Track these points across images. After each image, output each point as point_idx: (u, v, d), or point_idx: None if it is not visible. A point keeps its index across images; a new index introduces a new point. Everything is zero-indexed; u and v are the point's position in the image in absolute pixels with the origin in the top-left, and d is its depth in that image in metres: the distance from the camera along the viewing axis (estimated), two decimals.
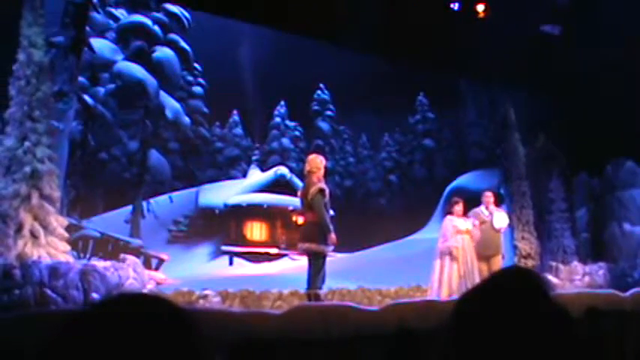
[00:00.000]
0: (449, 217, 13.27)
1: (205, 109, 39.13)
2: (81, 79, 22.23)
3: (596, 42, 18.06)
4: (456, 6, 18.13)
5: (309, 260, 11.60)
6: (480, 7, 18.04)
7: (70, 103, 14.50)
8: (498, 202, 15.66)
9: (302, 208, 11.79)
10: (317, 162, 11.51)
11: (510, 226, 14.88)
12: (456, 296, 11.93)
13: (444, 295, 12.30)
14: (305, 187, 11.60)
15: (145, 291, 12.84)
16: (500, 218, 13.70)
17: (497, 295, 1.32)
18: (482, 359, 1.24)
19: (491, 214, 13.73)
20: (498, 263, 13.28)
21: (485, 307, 1.31)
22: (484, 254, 13.20)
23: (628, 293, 13.27)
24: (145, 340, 1.16)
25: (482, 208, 13.71)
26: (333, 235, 11.10)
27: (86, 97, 25.14)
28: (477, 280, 12.56)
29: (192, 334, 1.23)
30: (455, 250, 12.87)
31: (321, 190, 11.13)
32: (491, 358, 1.24)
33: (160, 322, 1.20)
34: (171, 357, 1.17)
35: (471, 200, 13.95)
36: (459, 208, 13.33)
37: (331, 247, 11.43)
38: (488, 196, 13.86)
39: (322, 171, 11.48)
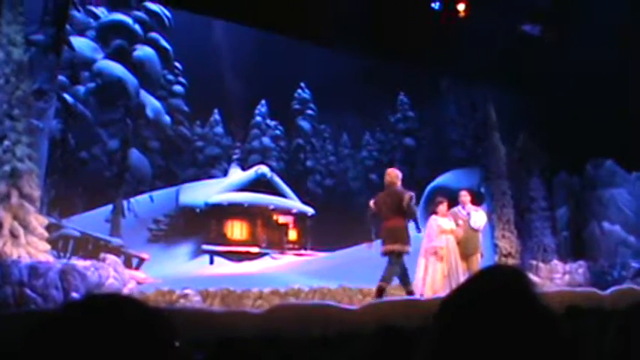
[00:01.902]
0: (433, 216, 13.30)
1: (186, 108, 39.06)
2: (61, 77, 22.13)
3: (577, 42, 18.12)
4: (436, 5, 18.14)
5: (391, 258, 12.47)
6: (461, 7, 18.06)
7: (49, 102, 14.41)
8: (478, 201, 15.70)
9: (388, 212, 12.63)
10: (397, 173, 13.19)
11: (491, 224, 14.90)
12: (439, 295, 11.99)
13: (427, 294, 12.33)
14: (388, 195, 12.85)
15: (125, 290, 12.83)
16: (478, 217, 13.71)
17: (481, 295, 1.32)
18: (468, 357, 1.25)
19: (468, 213, 13.74)
20: (477, 262, 13.30)
21: (470, 307, 1.31)
22: (463, 253, 13.22)
23: (608, 291, 13.35)
24: (116, 342, 1.15)
25: (459, 207, 13.72)
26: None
27: (66, 96, 25.02)
28: (462, 279, 12.62)
29: (165, 336, 1.23)
30: (440, 249, 12.91)
31: (412, 197, 12.50)
32: (476, 357, 1.24)
33: (131, 325, 1.20)
34: (144, 358, 1.17)
35: (452, 199, 13.96)
36: (443, 207, 13.36)
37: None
38: (464, 196, 13.87)
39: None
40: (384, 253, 12.62)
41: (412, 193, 12.74)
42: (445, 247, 12.96)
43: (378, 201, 13.03)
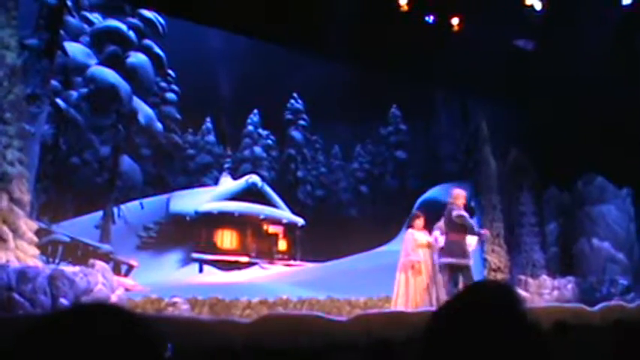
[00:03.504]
0: (410, 230, 13.34)
1: (178, 116, 38.97)
2: (54, 82, 22.14)
3: (570, 58, 18.19)
4: (430, 19, 18.18)
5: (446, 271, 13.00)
6: (455, 21, 18.11)
7: (42, 107, 14.41)
8: (469, 215, 15.69)
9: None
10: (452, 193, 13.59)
11: (481, 239, 14.90)
12: (422, 308, 12.01)
13: (411, 308, 12.34)
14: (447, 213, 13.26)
15: (113, 297, 12.80)
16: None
17: (470, 309, 1.33)
18: None
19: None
20: (470, 273, 13.28)
21: (459, 321, 1.31)
22: (447, 266, 13.19)
23: (596, 308, 13.38)
24: (103, 352, 1.15)
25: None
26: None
27: (59, 101, 25.03)
28: (442, 292, 12.66)
29: (154, 345, 1.23)
30: (417, 264, 12.95)
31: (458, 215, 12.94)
32: None
33: (121, 334, 1.20)
34: None
35: (442, 212, 13.94)
36: (419, 222, 13.40)
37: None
38: None
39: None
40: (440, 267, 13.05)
41: (460, 212, 13.08)
42: (422, 260, 12.99)
43: None
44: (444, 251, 13.00)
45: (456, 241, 13.01)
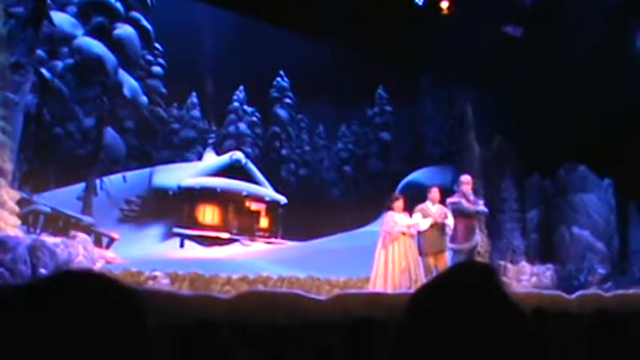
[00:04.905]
0: (390, 212, 13.32)
1: (164, 90, 38.85)
2: (39, 52, 21.98)
3: (557, 47, 18.23)
4: (420, 1, 18.15)
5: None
6: (444, 4, 18.08)
7: (26, 76, 14.31)
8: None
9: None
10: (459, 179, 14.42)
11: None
12: (400, 290, 12.06)
13: (389, 289, 12.37)
14: None
15: (94, 269, 12.77)
16: (424, 223, 13.57)
17: (453, 290, 1.34)
18: (437, 354, 1.26)
19: (439, 209, 13.71)
20: (444, 260, 13.31)
21: (442, 301, 1.32)
22: (430, 251, 13.24)
23: (573, 295, 13.47)
24: (90, 318, 1.15)
25: (427, 203, 13.64)
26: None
27: (43, 71, 24.87)
28: (420, 274, 12.71)
29: (139, 314, 1.24)
30: (396, 245, 12.96)
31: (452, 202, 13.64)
32: (445, 352, 1.26)
33: (106, 301, 1.20)
34: (116, 336, 1.17)
35: (424, 195, 13.95)
36: (399, 204, 13.37)
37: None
38: (435, 192, 13.79)
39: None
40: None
41: (451, 199, 13.76)
42: (401, 242, 13.02)
43: None
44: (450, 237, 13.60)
45: (456, 227, 13.54)
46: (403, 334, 1.33)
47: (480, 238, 15.07)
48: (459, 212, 13.53)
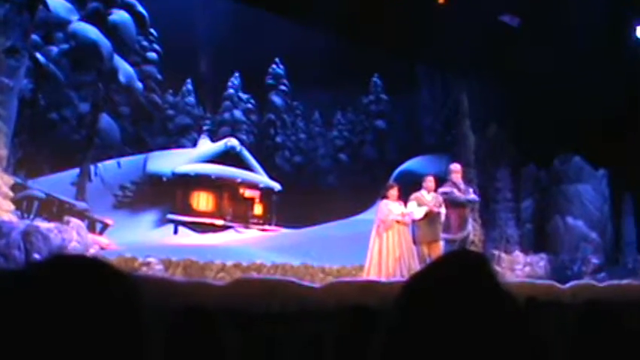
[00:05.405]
0: (384, 200, 13.33)
1: (159, 76, 38.75)
2: (34, 36, 21.91)
3: (554, 37, 18.21)
4: None
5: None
6: None
7: (21, 60, 14.27)
8: None
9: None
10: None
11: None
12: (394, 278, 12.07)
13: (383, 277, 12.38)
14: None
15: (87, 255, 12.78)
16: (418, 211, 13.57)
17: (446, 278, 1.34)
18: (430, 342, 1.27)
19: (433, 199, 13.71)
20: (439, 249, 13.33)
21: (434, 289, 1.33)
22: (424, 240, 13.26)
23: (567, 286, 13.50)
24: (84, 304, 1.15)
25: (423, 192, 13.64)
26: None
27: (39, 56, 24.76)
28: (414, 263, 12.73)
29: (134, 299, 1.24)
30: (390, 232, 12.97)
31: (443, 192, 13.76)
32: (438, 341, 1.26)
33: (101, 286, 1.20)
34: (111, 321, 1.17)
35: (419, 184, 13.96)
36: (394, 192, 13.39)
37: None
38: (430, 181, 13.79)
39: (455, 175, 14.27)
40: None
41: (443, 189, 13.86)
42: (395, 230, 13.02)
43: None
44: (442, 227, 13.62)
45: (449, 217, 13.68)
46: (396, 322, 1.33)
47: (472, 228, 15.08)
48: (451, 202, 13.57)
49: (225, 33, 39.14)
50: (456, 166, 14.40)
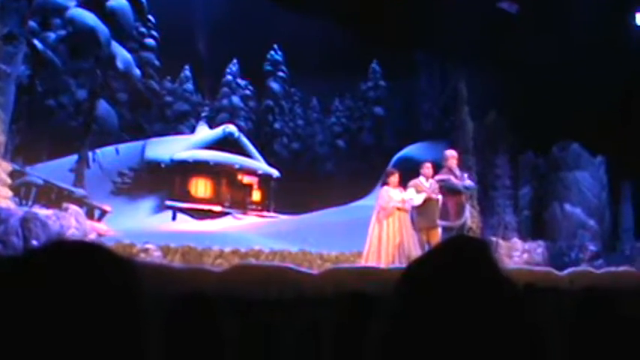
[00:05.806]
0: (385, 187, 13.32)
1: (157, 62, 38.74)
2: (31, 23, 21.83)
3: (553, 24, 18.19)
4: None
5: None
6: None
7: (19, 47, 14.26)
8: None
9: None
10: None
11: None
12: (394, 265, 12.07)
13: (383, 264, 12.38)
14: None
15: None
16: (418, 198, 13.55)
17: (447, 264, 1.34)
18: (431, 328, 1.27)
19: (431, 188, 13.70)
20: (437, 235, 13.34)
21: (435, 275, 1.33)
22: (423, 226, 13.26)
23: (564, 272, 13.51)
24: (83, 289, 1.15)
25: (421, 179, 13.63)
26: None
27: (36, 42, 24.71)
28: (414, 249, 12.71)
29: (133, 284, 1.24)
30: (391, 220, 12.96)
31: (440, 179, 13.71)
32: (439, 327, 1.26)
33: (100, 272, 1.20)
34: (110, 307, 1.17)
35: (417, 170, 13.95)
36: (394, 178, 13.36)
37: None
38: (428, 168, 13.77)
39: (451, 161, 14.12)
40: None
41: (440, 176, 13.78)
42: (396, 217, 13.01)
43: None
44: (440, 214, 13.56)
45: (446, 205, 13.59)
46: (396, 309, 1.33)
47: (470, 215, 15.05)
48: (448, 189, 13.54)
49: (223, 19, 39.09)
50: (452, 152, 14.36)
